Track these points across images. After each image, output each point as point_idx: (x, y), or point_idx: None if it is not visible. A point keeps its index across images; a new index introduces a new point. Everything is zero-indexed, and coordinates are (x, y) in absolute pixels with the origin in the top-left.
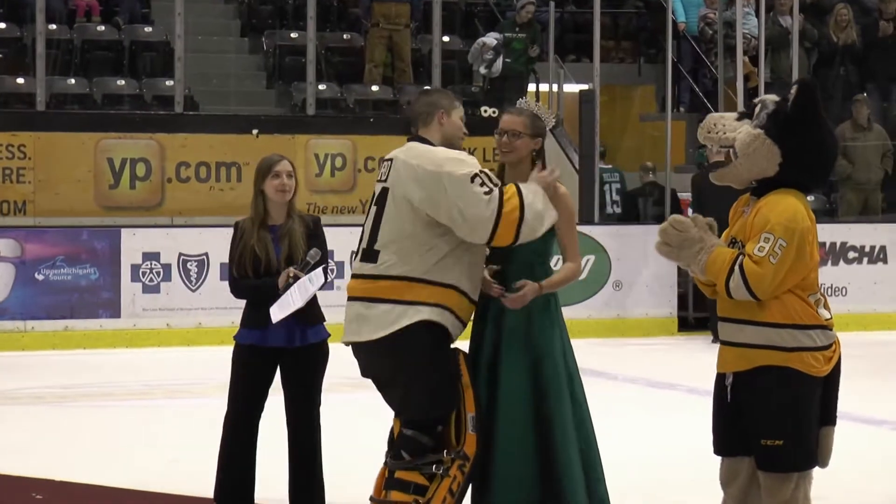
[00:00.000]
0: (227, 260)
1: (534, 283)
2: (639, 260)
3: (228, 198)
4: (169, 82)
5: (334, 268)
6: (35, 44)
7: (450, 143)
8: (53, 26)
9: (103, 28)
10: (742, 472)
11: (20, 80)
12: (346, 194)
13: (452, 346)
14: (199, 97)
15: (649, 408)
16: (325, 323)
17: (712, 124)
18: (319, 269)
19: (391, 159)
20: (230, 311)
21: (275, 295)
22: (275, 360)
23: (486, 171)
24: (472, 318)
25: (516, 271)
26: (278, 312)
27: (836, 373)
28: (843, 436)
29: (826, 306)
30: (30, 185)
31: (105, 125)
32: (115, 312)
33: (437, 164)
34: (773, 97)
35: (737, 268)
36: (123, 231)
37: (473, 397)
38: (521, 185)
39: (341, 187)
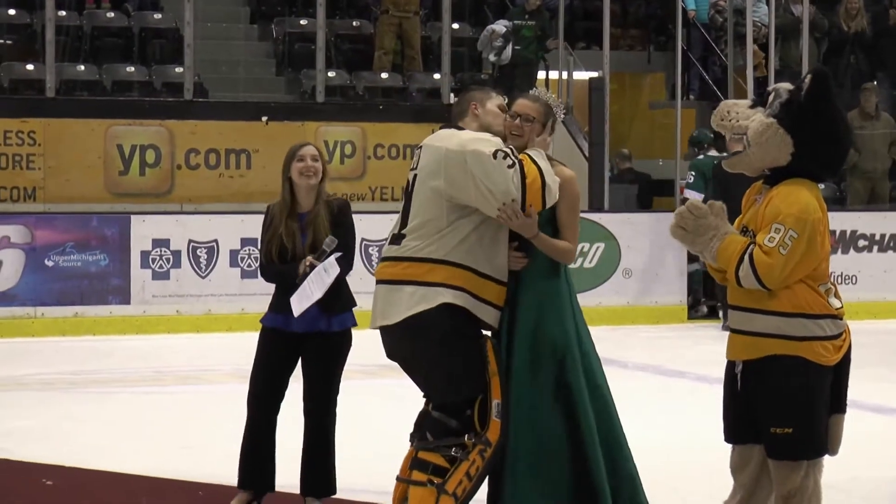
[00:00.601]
0: (236, 246)
1: (532, 221)
2: (649, 248)
3: (238, 185)
4: (178, 69)
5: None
6: (45, 30)
7: (488, 131)
8: (63, 13)
9: (113, 15)
10: (752, 460)
11: (30, 67)
12: (356, 181)
13: (482, 332)
14: (209, 84)
15: (658, 396)
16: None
17: (725, 111)
18: (332, 258)
19: (421, 146)
20: (240, 297)
21: (294, 283)
22: (297, 345)
23: (508, 146)
24: None
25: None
26: (297, 305)
27: (846, 361)
28: (853, 424)
29: (837, 295)
30: (40, 171)
31: (115, 112)
32: (125, 299)
33: (460, 145)
34: (786, 86)
35: (746, 257)
36: (133, 218)
37: (500, 385)
38: (529, 151)
39: (351, 174)
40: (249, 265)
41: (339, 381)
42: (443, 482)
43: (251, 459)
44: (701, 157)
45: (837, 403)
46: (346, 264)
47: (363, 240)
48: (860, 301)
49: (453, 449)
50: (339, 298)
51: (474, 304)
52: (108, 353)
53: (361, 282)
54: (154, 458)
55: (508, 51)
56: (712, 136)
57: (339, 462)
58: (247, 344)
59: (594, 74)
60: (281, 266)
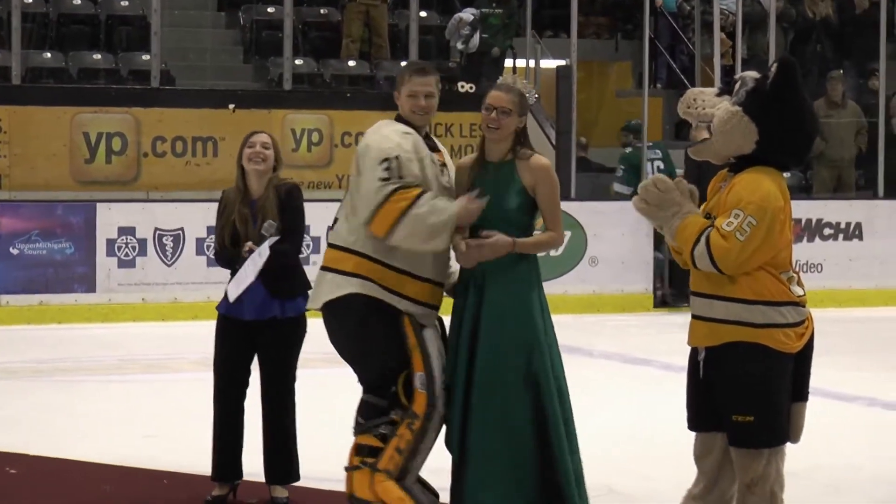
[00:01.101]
0: (202, 234)
1: (505, 237)
2: (615, 236)
3: (205, 172)
4: (145, 56)
5: (310, 242)
6: (10, 17)
7: (407, 121)
8: (29, 0)
9: (79, 2)
10: (715, 448)
11: None
12: (323, 169)
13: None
14: (176, 71)
15: (623, 383)
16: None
17: (692, 99)
18: (266, 243)
19: None
20: (206, 285)
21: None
22: (252, 332)
23: (402, 158)
24: (455, 291)
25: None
26: (234, 289)
27: (808, 349)
28: (817, 412)
29: (800, 283)
30: (5, 158)
31: (81, 99)
32: (91, 287)
33: (366, 141)
34: (753, 74)
35: (703, 238)
36: (99, 205)
37: (422, 357)
38: (439, 199)
39: (317, 162)
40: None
41: (295, 367)
42: (375, 461)
43: (222, 453)
44: (629, 149)
45: (799, 391)
46: (293, 247)
47: (329, 227)
48: (825, 289)
49: (381, 427)
50: (290, 283)
51: (388, 296)
52: (74, 341)
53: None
54: (119, 447)
55: (476, 39)
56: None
57: (304, 450)
58: (213, 332)
59: (561, 63)
60: (232, 251)
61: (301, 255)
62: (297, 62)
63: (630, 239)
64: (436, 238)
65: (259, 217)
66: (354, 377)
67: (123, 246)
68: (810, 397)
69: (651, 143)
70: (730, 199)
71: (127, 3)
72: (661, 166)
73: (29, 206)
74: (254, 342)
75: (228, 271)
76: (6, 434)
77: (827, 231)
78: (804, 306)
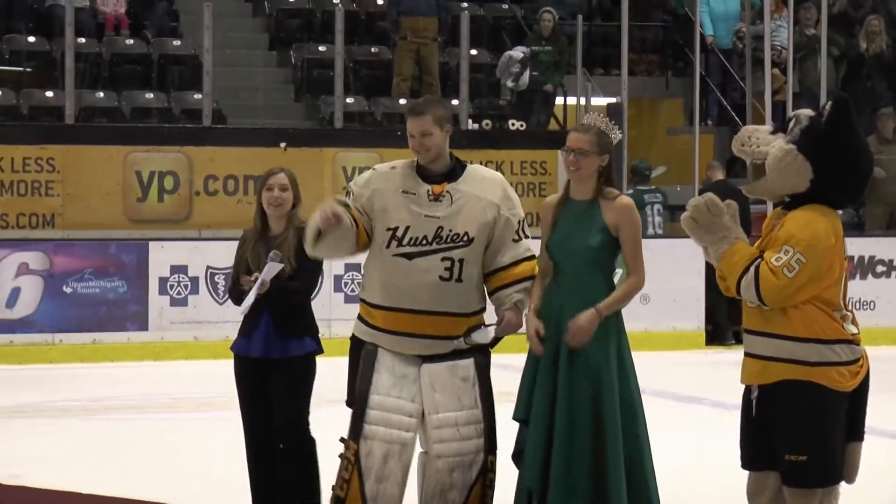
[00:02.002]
0: None
1: (590, 312)
2: (666, 273)
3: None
4: (197, 96)
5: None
6: (64, 57)
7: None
8: (82, 40)
9: (132, 41)
10: (769, 487)
11: (49, 94)
12: None
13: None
14: (228, 110)
15: (675, 422)
16: (319, 335)
17: (746, 137)
18: (266, 268)
19: None
20: None
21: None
22: (262, 370)
23: (350, 189)
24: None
25: (577, 284)
26: (241, 311)
27: (863, 388)
28: (871, 451)
29: (854, 322)
30: (58, 198)
31: (133, 138)
32: (143, 325)
33: None
34: (807, 112)
35: (752, 268)
36: (151, 244)
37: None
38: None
39: None
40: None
41: (306, 407)
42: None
43: (260, 496)
44: (630, 191)
45: (854, 431)
46: (305, 287)
47: None
48: (879, 327)
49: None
50: (297, 322)
51: (365, 331)
52: (126, 379)
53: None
54: (172, 485)
55: (526, 77)
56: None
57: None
58: None
59: (612, 100)
60: (244, 288)
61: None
62: (349, 101)
63: (681, 276)
64: (307, 238)
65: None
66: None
67: (175, 284)
68: (869, 437)
69: (654, 188)
70: (781, 235)
71: (179, 42)
72: (661, 209)
73: (82, 244)
74: (265, 381)
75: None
76: (59, 472)
77: (880, 268)
78: (858, 345)
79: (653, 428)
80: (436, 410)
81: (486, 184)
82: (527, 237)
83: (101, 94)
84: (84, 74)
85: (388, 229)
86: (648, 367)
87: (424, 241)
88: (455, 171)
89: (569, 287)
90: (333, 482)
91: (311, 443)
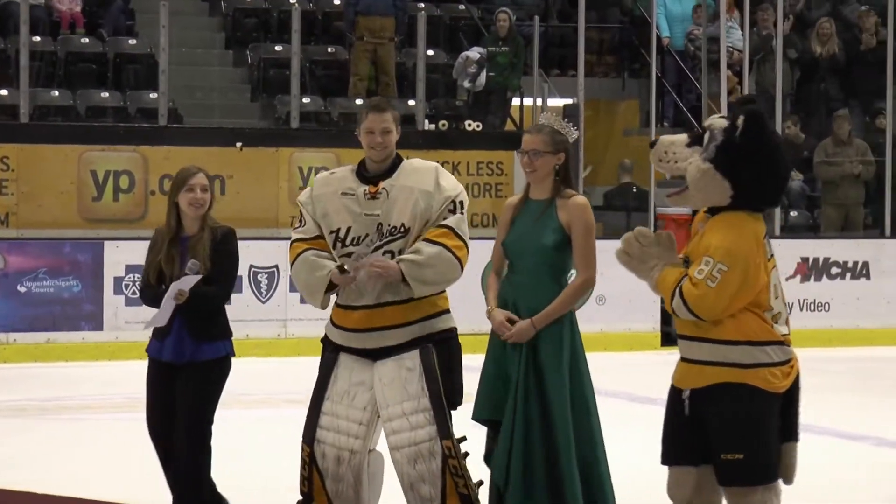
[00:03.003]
0: None
1: (525, 324)
2: (622, 274)
3: (212, 210)
4: (153, 95)
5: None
6: (19, 55)
7: (368, 157)
8: (37, 38)
9: (87, 40)
10: (689, 482)
11: (3, 92)
12: None
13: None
14: (183, 110)
15: (629, 422)
16: (232, 338)
17: (663, 152)
18: (184, 279)
19: None
20: None
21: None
22: (170, 374)
23: (301, 204)
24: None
25: (530, 283)
26: (151, 324)
27: (795, 388)
28: (825, 451)
29: (786, 322)
30: (13, 196)
31: (88, 137)
32: (98, 325)
33: None
34: (721, 123)
35: (677, 290)
36: (106, 243)
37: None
38: (320, 261)
39: None
40: None
41: (212, 410)
42: None
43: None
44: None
45: (789, 431)
46: (221, 292)
47: None
48: (833, 328)
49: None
50: (210, 326)
51: (332, 331)
52: (81, 379)
53: None
54: (126, 485)
55: (483, 77)
56: None
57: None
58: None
59: (569, 101)
60: (154, 291)
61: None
62: (305, 100)
63: (637, 278)
64: (311, 295)
65: (189, 256)
66: (264, 417)
67: (131, 284)
68: (819, 437)
69: None
70: (701, 246)
71: (135, 41)
72: None
73: (36, 243)
74: (174, 384)
75: (244, 311)
76: (13, 472)
77: (834, 270)
78: (789, 346)
79: (608, 428)
80: (386, 405)
81: (417, 175)
82: (462, 214)
83: (56, 93)
84: (39, 73)
85: (332, 232)
86: (603, 368)
87: (367, 240)
88: (392, 168)
89: (521, 285)
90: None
91: (208, 448)
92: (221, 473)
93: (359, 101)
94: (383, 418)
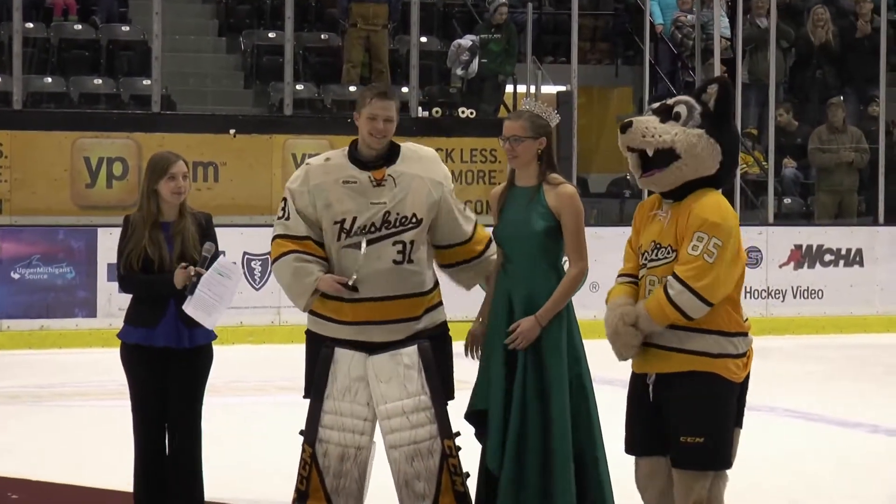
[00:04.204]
0: None
1: (530, 320)
2: (616, 261)
3: (205, 197)
4: (146, 81)
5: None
6: (11, 42)
7: (365, 143)
8: (30, 24)
9: (80, 27)
10: (661, 472)
11: None
12: None
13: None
14: (177, 96)
15: (623, 409)
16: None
17: (644, 128)
18: (228, 261)
19: None
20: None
21: (169, 292)
22: (163, 360)
23: (291, 193)
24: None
25: (524, 270)
26: (205, 316)
27: (747, 377)
28: (821, 439)
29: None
30: (6, 183)
31: (82, 124)
32: (92, 312)
33: None
34: (686, 98)
35: (669, 286)
36: (100, 230)
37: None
38: (308, 265)
39: None
40: None
41: (203, 395)
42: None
43: (149, 491)
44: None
45: (738, 418)
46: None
47: None
48: (826, 315)
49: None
50: None
51: (325, 326)
52: (75, 366)
53: None
54: (121, 473)
55: (475, 65)
56: None
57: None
58: (216, 356)
59: (562, 88)
60: (148, 276)
61: None
62: (298, 87)
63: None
64: (295, 300)
65: (177, 242)
66: (258, 404)
67: None
68: (814, 423)
69: None
70: (689, 224)
71: (128, 28)
72: None
73: (30, 230)
74: (163, 370)
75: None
76: (7, 459)
77: (828, 257)
78: (748, 335)
79: (603, 413)
80: (384, 401)
81: (424, 163)
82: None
83: (49, 80)
84: (32, 59)
85: (336, 223)
86: (598, 355)
87: (373, 228)
88: (391, 154)
89: (516, 274)
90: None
91: (200, 432)
92: (215, 461)
93: (352, 88)
94: (380, 415)
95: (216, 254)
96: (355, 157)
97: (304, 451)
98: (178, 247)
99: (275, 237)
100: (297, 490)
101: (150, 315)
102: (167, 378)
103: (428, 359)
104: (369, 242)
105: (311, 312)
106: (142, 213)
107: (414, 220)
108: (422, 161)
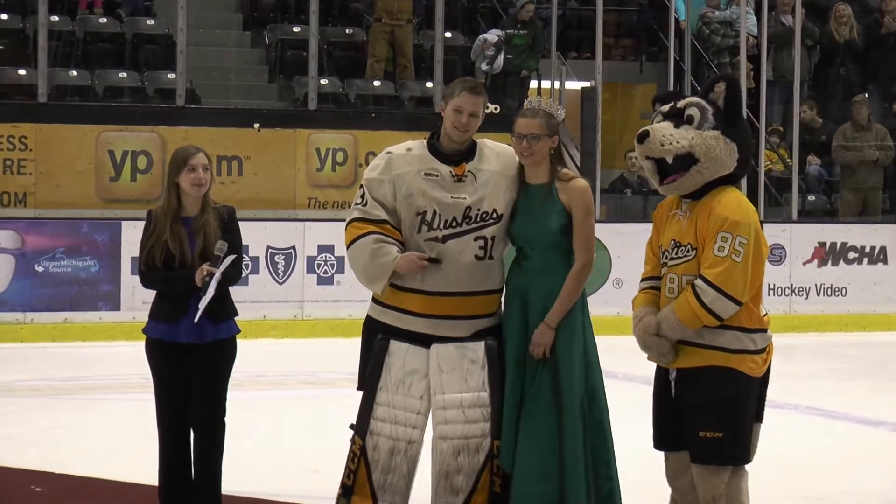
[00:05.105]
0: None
1: (542, 328)
2: (639, 257)
3: (230, 191)
4: (171, 75)
5: (249, 263)
6: (37, 35)
7: (447, 135)
8: (56, 18)
9: (105, 20)
10: (690, 467)
11: (22, 72)
12: (347, 189)
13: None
14: (201, 90)
15: (647, 406)
16: (237, 318)
17: (662, 136)
18: (225, 261)
19: None
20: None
21: (189, 288)
22: (186, 355)
23: (370, 182)
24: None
25: (541, 268)
26: (199, 312)
27: (767, 373)
28: (843, 437)
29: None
30: (31, 176)
31: (106, 117)
32: (115, 305)
33: None
34: (695, 99)
35: (698, 287)
36: (124, 224)
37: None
38: (386, 246)
39: (342, 182)
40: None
41: (227, 390)
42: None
43: (173, 483)
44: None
45: (758, 413)
46: (236, 272)
47: None
48: (849, 313)
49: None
50: (225, 306)
51: (396, 317)
52: (98, 359)
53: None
54: (142, 465)
55: (500, 60)
56: None
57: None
58: (241, 352)
59: (586, 84)
60: (170, 273)
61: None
62: (323, 82)
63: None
64: (372, 281)
65: (199, 237)
66: (280, 398)
67: None
68: (836, 421)
69: None
70: (711, 224)
71: (153, 21)
72: None
73: (54, 223)
74: (187, 365)
75: (260, 290)
76: (30, 451)
77: (852, 255)
78: (767, 331)
79: (623, 411)
80: (442, 391)
81: (501, 159)
82: None
83: (74, 73)
84: (57, 53)
85: (418, 214)
86: (620, 352)
87: (454, 223)
88: (470, 150)
89: (533, 271)
90: (342, 472)
91: (224, 425)
92: (236, 454)
93: (376, 83)
94: (436, 404)
95: (228, 252)
96: (436, 150)
97: (353, 443)
98: (200, 242)
99: (351, 221)
100: (343, 485)
101: (171, 311)
102: (192, 372)
103: (493, 357)
104: (449, 238)
105: (379, 302)
106: (163, 208)
107: (494, 215)
108: (500, 157)
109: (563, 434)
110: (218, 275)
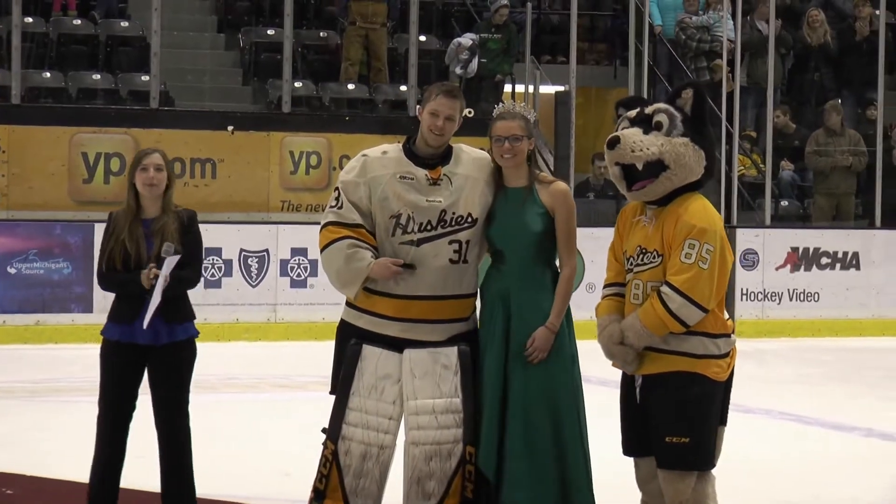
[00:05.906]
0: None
1: (543, 331)
2: None
3: (203, 194)
4: (144, 77)
5: (222, 265)
6: (10, 36)
7: (423, 139)
8: (29, 19)
9: (79, 22)
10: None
11: None
12: (321, 192)
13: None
14: (175, 93)
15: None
16: (195, 321)
17: (632, 143)
18: (166, 264)
19: None
20: (202, 308)
21: (141, 291)
22: (142, 358)
23: (344, 184)
24: (480, 306)
25: (521, 271)
26: (147, 316)
27: (731, 377)
28: (816, 441)
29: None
30: (3, 178)
31: (80, 119)
32: (88, 307)
33: None
34: (663, 105)
35: (664, 294)
36: (97, 226)
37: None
38: (360, 252)
39: (316, 185)
40: (213, 275)
41: (188, 390)
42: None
43: (103, 482)
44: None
45: (722, 416)
46: (196, 275)
47: None
48: (822, 318)
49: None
50: (181, 308)
51: (368, 321)
52: (70, 361)
53: None
54: None
55: (475, 64)
56: None
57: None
58: (208, 352)
59: (560, 88)
60: (125, 275)
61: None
62: (297, 85)
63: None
64: (345, 286)
65: (157, 239)
66: (253, 402)
67: None
68: (810, 427)
69: None
70: (678, 231)
71: (127, 24)
72: None
73: (27, 225)
74: (143, 367)
75: (232, 293)
76: (2, 454)
77: (824, 260)
78: (731, 336)
79: (598, 417)
80: (415, 396)
81: (477, 164)
82: None
83: (48, 75)
84: (30, 54)
85: (392, 217)
86: (593, 356)
87: (429, 227)
88: (446, 154)
89: (513, 273)
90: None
91: (189, 427)
92: (209, 457)
93: (350, 87)
94: (408, 410)
95: (184, 258)
96: (412, 153)
97: (325, 448)
98: (157, 244)
99: (325, 224)
100: (315, 489)
101: (128, 312)
102: (151, 374)
103: (466, 363)
104: (424, 241)
105: (352, 306)
106: (124, 209)
107: (469, 219)
108: (475, 161)
109: (562, 437)
110: (161, 277)
